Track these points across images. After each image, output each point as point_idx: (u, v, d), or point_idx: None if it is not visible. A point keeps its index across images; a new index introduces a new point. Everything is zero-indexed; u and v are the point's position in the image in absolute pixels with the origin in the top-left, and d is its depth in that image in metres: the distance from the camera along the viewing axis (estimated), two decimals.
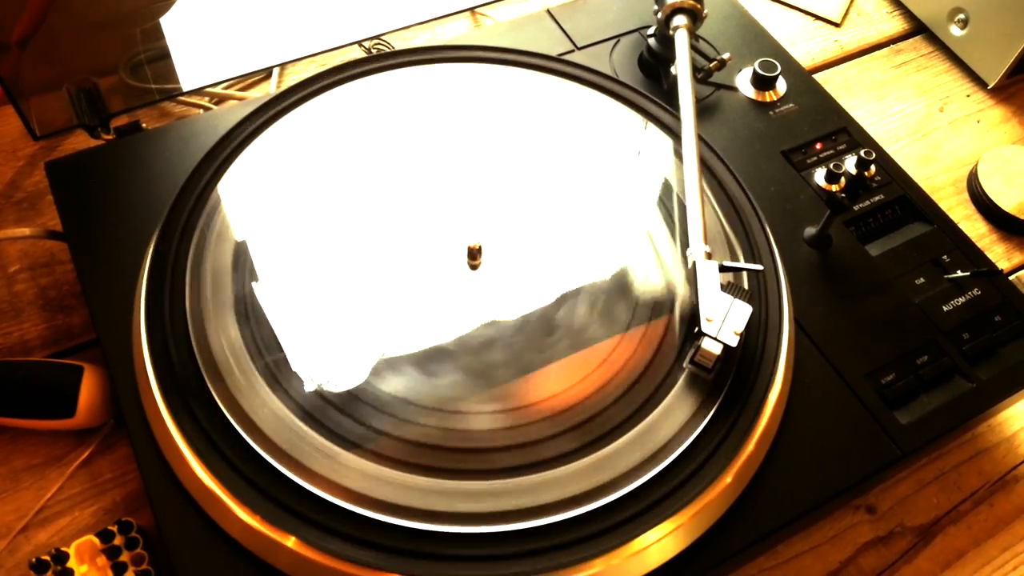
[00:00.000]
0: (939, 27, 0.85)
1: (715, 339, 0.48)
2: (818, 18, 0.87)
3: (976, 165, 0.75)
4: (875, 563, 0.56)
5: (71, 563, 0.49)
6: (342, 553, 0.44)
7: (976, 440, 0.61)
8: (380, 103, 0.63)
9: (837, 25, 0.87)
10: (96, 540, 0.50)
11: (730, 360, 0.52)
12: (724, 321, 0.48)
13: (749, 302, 0.49)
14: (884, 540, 0.57)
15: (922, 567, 0.56)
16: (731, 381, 0.51)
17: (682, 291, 0.55)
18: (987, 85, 0.83)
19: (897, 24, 0.88)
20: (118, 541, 0.50)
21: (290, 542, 0.44)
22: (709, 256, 0.51)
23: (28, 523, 0.53)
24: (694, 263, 0.51)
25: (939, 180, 0.76)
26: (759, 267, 0.52)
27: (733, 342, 0.47)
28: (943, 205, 0.66)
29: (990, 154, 0.75)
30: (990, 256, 0.62)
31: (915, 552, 0.56)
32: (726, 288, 0.50)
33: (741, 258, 0.56)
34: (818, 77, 0.80)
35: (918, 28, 0.87)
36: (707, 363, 0.48)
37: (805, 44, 0.85)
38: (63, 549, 0.50)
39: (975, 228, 0.73)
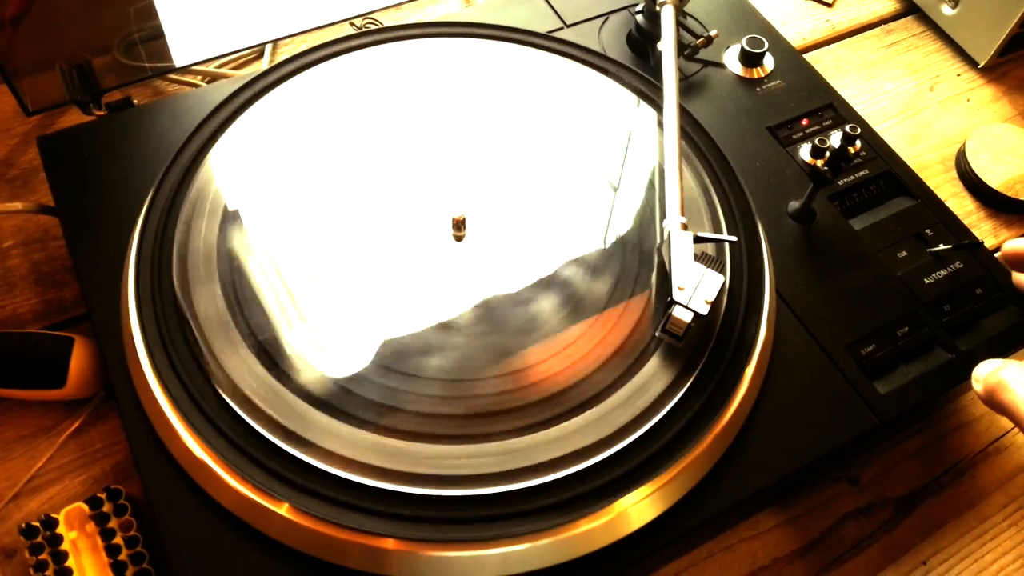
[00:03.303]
0: (930, 7, 0.86)
1: (686, 307, 0.48)
2: None
3: (964, 143, 0.75)
4: (856, 533, 0.56)
5: (60, 529, 0.50)
6: (335, 519, 0.44)
7: (958, 413, 0.62)
8: (369, 78, 0.64)
9: (829, 5, 0.87)
10: (85, 507, 0.51)
11: (710, 329, 0.52)
12: (696, 290, 0.48)
13: (722, 272, 0.50)
14: (865, 511, 0.57)
15: (902, 537, 0.56)
16: (711, 350, 0.51)
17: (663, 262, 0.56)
18: (977, 64, 0.83)
19: (888, 4, 0.88)
20: (107, 508, 0.51)
21: (283, 509, 0.45)
22: (685, 227, 0.52)
23: (19, 491, 0.54)
24: (669, 233, 0.52)
25: (928, 158, 0.76)
26: (734, 238, 0.52)
27: (704, 310, 0.48)
28: (931, 183, 0.66)
29: (978, 132, 0.75)
30: (977, 233, 0.62)
31: (895, 522, 0.57)
32: (700, 259, 0.50)
33: (724, 231, 0.57)
34: (809, 57, 0.80)
35: (909, 8, 0.88)
36: (678, 331, 0.49)
37: (796, 24, 0.85)
38: (53, 515, 0.51)
39: (963, 206, 0.74)
